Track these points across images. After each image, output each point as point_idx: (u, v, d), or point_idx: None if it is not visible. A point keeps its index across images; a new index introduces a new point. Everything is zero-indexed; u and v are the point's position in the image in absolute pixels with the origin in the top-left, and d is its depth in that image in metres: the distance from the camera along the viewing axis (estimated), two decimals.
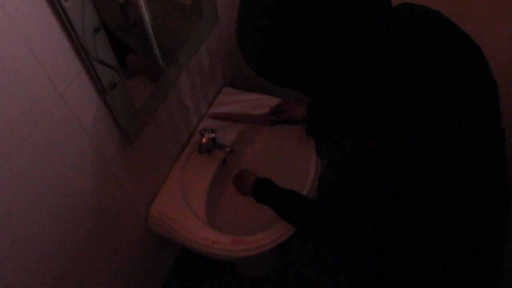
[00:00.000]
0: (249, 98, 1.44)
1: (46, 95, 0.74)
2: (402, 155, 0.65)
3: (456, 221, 0.72)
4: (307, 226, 1.02)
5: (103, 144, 0.93)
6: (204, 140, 1.26)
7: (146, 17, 1.04)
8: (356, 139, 0.68)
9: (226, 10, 1.30)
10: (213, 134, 1.27)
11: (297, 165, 1.32)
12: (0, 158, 0.69)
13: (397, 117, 0.66)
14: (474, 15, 0.99)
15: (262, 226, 1.18)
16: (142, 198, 1.17)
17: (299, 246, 1.82)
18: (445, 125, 0.67)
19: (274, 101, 1.41)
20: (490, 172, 0.73)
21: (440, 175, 0.66)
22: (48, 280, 0.92)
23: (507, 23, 1.00)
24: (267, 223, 1.18)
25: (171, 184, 1.25)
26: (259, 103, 1.41)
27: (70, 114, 0.80)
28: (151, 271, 1.42)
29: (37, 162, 0.77)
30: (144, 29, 1.06)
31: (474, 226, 0.74)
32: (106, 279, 1.15)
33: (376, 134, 0.66)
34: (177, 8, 1.24)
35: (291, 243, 1.76)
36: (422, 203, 0.69)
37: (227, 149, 1.27)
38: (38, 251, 0.86)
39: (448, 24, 0.74)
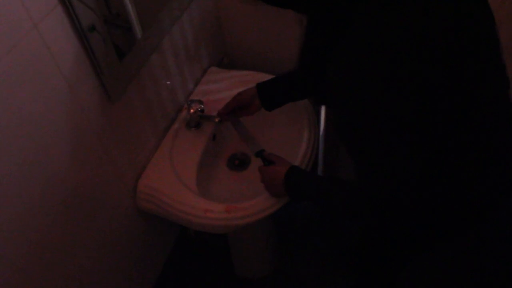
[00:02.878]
0: (235, 75, 1.41)
1: (18, 22, 0.70)
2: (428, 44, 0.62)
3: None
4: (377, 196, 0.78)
5: (83, 95, 0.88)
6: (192, 110, 1.21)
7: (130, 7, 0.98)
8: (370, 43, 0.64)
9: None
10: (201, 106, 1.23)
11: (290, 132, 1.28)
12: None
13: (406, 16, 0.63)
14: None
15: (257, 194, 1.12)
16: (129, 169, 1.11)
17: (298, 246, 1.77)
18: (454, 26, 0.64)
19: (260, 76, 1.38)
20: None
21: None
22: (13, 273, 0.82)
23: None
24: (261, 191, 1.12)
25: (159, 159, 1.20)
26: (245, 78, 1.38)
27: (46, 49, 0.76)
28: (142, 264, 1.34)
29: (5, 102, 0.71)
30: (127, 17, 1.01)
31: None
32: (88, 271, 1.06)
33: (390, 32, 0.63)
34: None
35: (289, 244, 1.73)
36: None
37: (216, 119, 1.23)
38: None
39: None
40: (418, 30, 0.62)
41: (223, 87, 1.37)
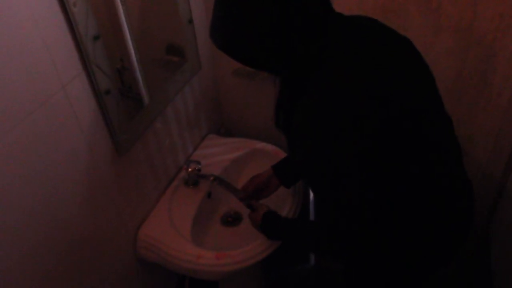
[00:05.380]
0: (231, 141, 1.58)
1: (50, 82, 0.87)
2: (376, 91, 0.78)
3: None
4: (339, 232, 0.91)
5: (96, 147, 1.03)
6: (190, 169, 1.36)
7: (140, 79, 1.18)
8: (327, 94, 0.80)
9: (208, 61, 1.52)
10: (199, 166, 1.38)
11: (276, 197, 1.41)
12: None
13: (357, 67, 0.79)
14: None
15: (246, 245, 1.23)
16: (132, 219, 1.24)
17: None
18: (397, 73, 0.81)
19: (253, 143, 1.55)
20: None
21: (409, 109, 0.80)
22: None
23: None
24: (250, 242, 1.23)
25: (159, 212, 1.33)
26: (240, 145, 1.56)
27: (70, 107, 0.93)
28: None
29: (31, 147, 0.85)
30: (138, 90, 1.19)
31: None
32: None
33: (345, 84, 0.78)
34: (165, 65, 1.44)
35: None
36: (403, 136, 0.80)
37: (211, 178, 1.37)
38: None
39: (381, 23, 0.92)
40: (366, 87, 0.78)
41: (219, 151, 1.54)
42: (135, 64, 1.15)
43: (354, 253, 0.94)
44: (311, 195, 1.83)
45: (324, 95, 0.80)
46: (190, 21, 1.34)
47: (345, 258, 1.00)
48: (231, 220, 1.47)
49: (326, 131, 0.80)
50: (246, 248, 1.20)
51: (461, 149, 0.98)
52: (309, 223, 1.04)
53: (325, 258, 1.15)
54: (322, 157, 0.82)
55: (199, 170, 1.38)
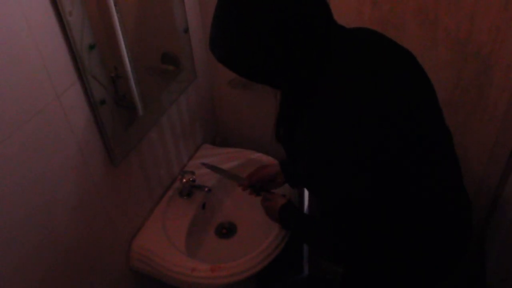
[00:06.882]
0: (226, 151, 1.57)
1: (45, 92, 0.86)
2: (376, 111, 0.77)
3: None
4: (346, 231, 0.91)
5: (90, 157, 1.02)
6: (184, 180, 1.35)
7: (134, 88, 1.15)
8: (331, 111, 0.79)
9: (204, 70, 1.50)
10: (193, 176, 1.36)
11: None
12: None
13: (361, 86, 0.79)
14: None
15: (241, 257, 1.22)
16: (125, 229, 1.22)
17: None
18: (397, 91, 0.81)
19: (248, 153, 1.54)
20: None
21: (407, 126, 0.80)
22: None
23: None
24: (245, 255, 1.21)
25: (153, 223, 1.31)
26: (235, 155, 1.54)
27: (64, 117, 0.92)
28: None
29: (26, 156, 0.84)
30: (132, 99, 1.16)
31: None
32: None
33: (348, 102, 0.78)
34: (160, 74, 1.42)
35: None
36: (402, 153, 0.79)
37: (206, 189, 1.36)
38: None
39: (384, 36, 0.91)
40: (368, 102, 0.78)
41: (214, 161, 1.52)
42: (130, 72, 1.13)
43: (355, 259, 0.93)
44: (306, 199, 1.83)
45: (326, 109, 0.79)
46: (186, 30, 1.33)
47: (348, 262, 1.00)
48: (226, 231, 1.45)
49: (327, 144, 0.79)
50: (241, 260, 1.19)
51: (459, 163, 0.98)
52: (323, 223, 1.03)
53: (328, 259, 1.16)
54: (323, 170, 0.81)
55: (193, 181, 1.36)
